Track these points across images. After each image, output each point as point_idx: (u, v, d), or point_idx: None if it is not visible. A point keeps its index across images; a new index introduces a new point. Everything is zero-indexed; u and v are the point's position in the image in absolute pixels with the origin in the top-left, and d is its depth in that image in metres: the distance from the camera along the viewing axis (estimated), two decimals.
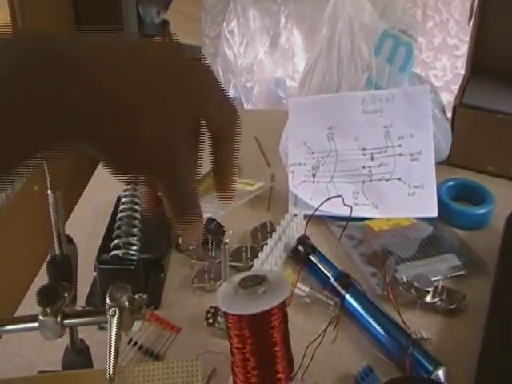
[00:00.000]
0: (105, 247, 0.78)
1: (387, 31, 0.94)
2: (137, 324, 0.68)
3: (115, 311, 0.49)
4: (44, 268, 0.59)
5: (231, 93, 1.78)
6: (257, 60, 1.77)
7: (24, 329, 0.52)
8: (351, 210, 0.83)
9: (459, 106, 1.00)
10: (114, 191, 0.90)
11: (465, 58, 1.76)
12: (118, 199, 0.87)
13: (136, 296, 0.51)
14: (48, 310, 0.51)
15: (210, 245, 0.80)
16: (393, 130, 0.92)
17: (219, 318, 0.71)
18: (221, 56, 1.81)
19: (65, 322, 0.52)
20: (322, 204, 0.83)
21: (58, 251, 0.57)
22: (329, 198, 0.84)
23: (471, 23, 1.07)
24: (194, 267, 0.79)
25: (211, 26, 1.89)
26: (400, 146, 0.91)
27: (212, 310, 0.72)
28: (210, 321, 0.71)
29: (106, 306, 0.50)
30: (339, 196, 0.84)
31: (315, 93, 0.97)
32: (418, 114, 0.91)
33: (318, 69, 0.98)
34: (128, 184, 0.81)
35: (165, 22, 1.01)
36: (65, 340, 0.57)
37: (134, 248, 0.75)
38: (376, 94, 0.93)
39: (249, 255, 0.80)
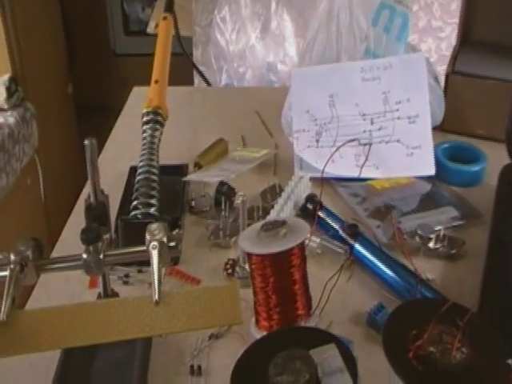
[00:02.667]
0: (122, 211, 0.82)
1: (384, 2, 0.99)
2: None
3: (156, 245, 0.53)
4: None
5: (224, 79, 1.83)
6: (248, 45, 1.81)
7: (69, 267, 0.56)
8: (362, 167, 0.88)
9: (451, 73, 1.05)
10: (125, 163, 0.94)
11: (449, 40, 1.82)
12: (131, 169, 0.92)
13: (174, 232, 0.55)
14: (91, 248, 0.55)
15: (223, 205, 0.85)
16: (391, 95, 0.97)
17: (237, 268, 0.75)
18: (212, 43, 1.85)
19: (107, 259, 0.56)
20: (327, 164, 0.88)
21: (93, 198, 0.61)
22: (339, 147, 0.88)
23: None
24: (208, 227, 0.84)
25: (202, 14, 1.92)
26: (398, 110, 0.96)
27: (230, 262, 0.77)
28: (229, 271, 0.75)
29: (146, 242, 0.55)
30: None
31: (316, 64, 1.02)
32: (414, 80, 0.96)
33: (318, 41, 1.03)
34: (144, 150, 0.85)
35: (171, 1, 1.04)
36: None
37: (153, 209, 0.79)
38: (374, 63, 0.98)
39: (260, 214, 0.84)
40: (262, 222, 0.67)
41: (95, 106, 2.67)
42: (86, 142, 0.58)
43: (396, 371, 0.50)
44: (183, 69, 1.77)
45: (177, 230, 0.56)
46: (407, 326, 0.54)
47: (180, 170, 0.94)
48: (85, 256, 0.55)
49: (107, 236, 0.58)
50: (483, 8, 1.10)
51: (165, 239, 0.55)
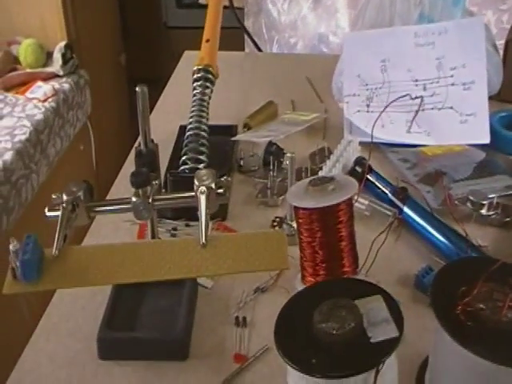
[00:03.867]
0: (172, 166, 0.83)
1: None
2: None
3: (204, 189, 0.54)
4: None
5: (275, 49, 1.81)
6: (300, 16, 1.79)
7: (119, 210, 0.57)
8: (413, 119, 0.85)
9: (510, 41, 1.02)
10: (175, 122, 0.95)
11: (511, 12, 1.75)
12: (181, 128, 0.92)
13: (222, 179, 0.55)
14: (140, 191, 0.56)
15: (271, 165, 0.84)
16: (445, 61, 0.94)
17: (284, 225, 0.75)
18: (264, 13, 1.83)
19: (155, 203, 0.56)
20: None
21: (143, 146, 0.61)
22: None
23: None
24: (256, 186, 0.84)
25: None
26: (452, 76, 0.93)
27: (277, 219, 0.76)
28: (276, 228, 0.75)
29: (195, 187, 0.55)
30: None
31: (369, 29, 1.00)
32: (472, 45, 0.93)
33: (371, 5, 1.01)
34: (194, 107, 0.85)
35: None
36: None
37: (202, 165, 0.79)
38: (429, 28, 0.96)
39: (309, 175, 0.84)
40: (309, 178, 0.66)
41: (147, 78, 2.68)
42: (138, 88, 0.59)
43: (442, 325, 0.49)
44: (234, 41, 1.77)
45: (225, 177, 0.56)
46: (457, 282, 0.53)
47: (230, 130, 0.94)
48: (134, 199, 0.56)
49: (156, 182, 0.58)
50: None
51: (213, 185, 0.55)
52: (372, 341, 0.47)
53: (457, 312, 0.50)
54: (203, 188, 0.54)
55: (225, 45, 1.48)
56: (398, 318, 0.49)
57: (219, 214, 0.78)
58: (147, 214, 0.56)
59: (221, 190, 0.56)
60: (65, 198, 0.53)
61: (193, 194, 0.55)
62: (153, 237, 0.63)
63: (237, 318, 0.64)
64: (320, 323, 0.48)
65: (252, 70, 1.20)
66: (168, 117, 1.03)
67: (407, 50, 0.96)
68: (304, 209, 0.64)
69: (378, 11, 1.01)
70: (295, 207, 0.65)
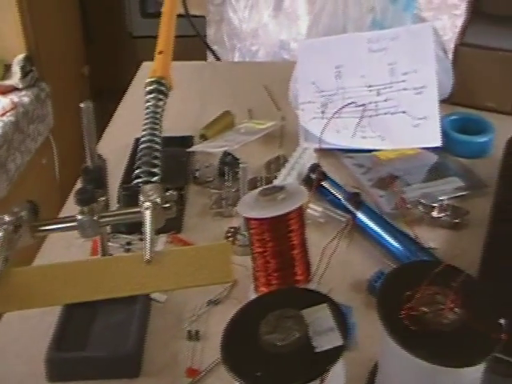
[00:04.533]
0: (126, 181, 0.82)
1: None
2: (160, 245, 0.73)
3: (149, 205, 0.54)
4: None
5: (237, 57, 1.82)
6: (261, 24, 1.80)
7: (64, 228, 0.56)
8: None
9: (460, 45, 1.04)
10: (131, 135, 0.94)
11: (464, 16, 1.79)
12: (136, 141, 0.92)
13: (167, 193, 0.55)
14: (85, 209, 0.56)
15: (226, 176, 0.85)
16: (397, 66, 0.95)
17: (238, 236, 0.75)
18: (226, 21, 1.84)
19: (101, 220, 0.56)
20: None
21: (89, 162, 0.61)
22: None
23: None
24: (211, 197, 0.84)
25: None
26: (404, 81, 0.95)
27: (232, 230, 0.77)
28: (230, 239, 0.76)
29: (140, 203, 0.55)
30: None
31: (323, 36, 1.01)
32: (422, 50, 0.95)
33: (325, 13, 1.02)
34: (147, 120, 0.85)
35: None
36: None
37: (155, 178, 0.79)
38: (381, 34, 0.97)
39: (264, 184, 0.84)
40: (261, 188, 0.67)
41: (112, 88, 2.67)
42: (82, 105, 0.59)
43: (387, 330, 0.50)
44: (197, 49, 1.77)
45: (170, 191, 0.56)
46: (402, 287, 0.53)
47: (186, 141, 0.94)
48: (79, 217, 0.55)
49: (103, 199, 0.58)
50: None
51: (158, 200, 0.55)
52: (317, 350, 0.47)
53: (401, 317, 0.51)
54: (147, 204, 0.54)
55: (187, 53, 1.49)
56: (343, 327, 0.49)
57: (174, 226, 0.78)
58: (93, 231, 0.56)
59: (167, 205, 0.56)
60: (6, 219, 0.53)
61: (138, 209, 0.55)
62: (103, 253, 0.63)
63: (189, 331, 0.63)
64: (266, 335, 0.49)
65: (210, 80, 1.20)
66: (125, 129, 1.03)
67: (361, 56, 0.98)
68: (254, 219, 0.64)
69: (332, 18, 1.03)
70: (246, 218, 0.65)
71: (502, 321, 0.51)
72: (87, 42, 2.44)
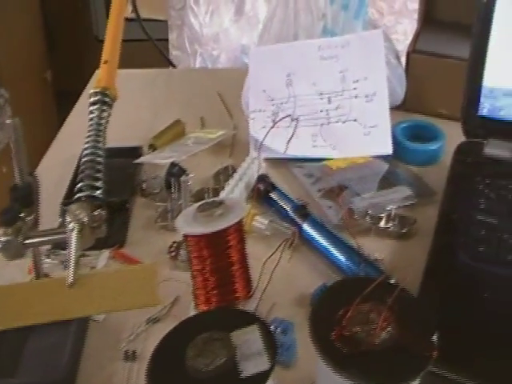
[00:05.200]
0: (70, 195, 0.80)
1: None
2: (102, 261, 0.72)
3: (74, 226, 0.52)
4: None
5: (198, 62, 1.80)
6: (222, 28, 1.78)
7: None
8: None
9: (412, 52, 1.03)
10: (78, 146, 0.92)
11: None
12: (82, 151, 0.90)
13: (95, 212, 0.54)
14: (9, 230, 0.54)
15: (172, 188, 0.83)
16: (348, 73, 0.95)
17: (181, 251, 0.74)
18: (187, 26, 1.82)
19: (26, 241, 0.54)
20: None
21: (19, 179, 0.59)
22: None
23: None
24: (157, 209, 0.82)
25: None
26: (355, 88, 0.94)
27: (174, 244, 0.75)
28: (173, 254, 0.74)
29: (66, 222, 0.53)
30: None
31: (274, 43, 1.00)
32: (372, 57, 0.94)
33: (276, 19, 1.01)
34: (90, 131, 0.83)
35: None
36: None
37: (98, 192, 0.77)
38: (332, 41, 0.96)
39: (211, 195, 0.83)
40: (200, 202, 0.65)
41: (76, 92, 2.64)
42: (8, 121, 0.57)
43: (318, 352, 0.49)
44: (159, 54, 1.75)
45: (99, 210, 0.54)
46: (335, 306, 0.52)
47: (134, 152, 0.92)
48: (3, 238, 0.53)
49: (31, 218, 0.56)
50: None
51: (86, 219, 0.53)
52: (242, 375, 0.46)
53: (332, 338, 0.50)
54: (72, 224, 0.52)
55: (150, 58, 1.47)
56: (272, 349, 0.48)
57: (117, 240, 0.76)
58: (18, 254, 0.54)
59: (95, 224, 0.54)
60: None
61: (64, 229, 0.53)
62: (37, 274, 0.61)
63: (126, 352, 0.62)
64: (191, 359, 0.47)
65: (164, 88, 1.18)
66: (73, 139, 1.00)
67: (312, 63, 0.97)
68: (192, 236, 0.63)
69: (283, 25, 1.02)
70: (184, 235, 0.64)
71: (434, 337, 0.50)
72: (50, 46, 2.41)
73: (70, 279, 0.49)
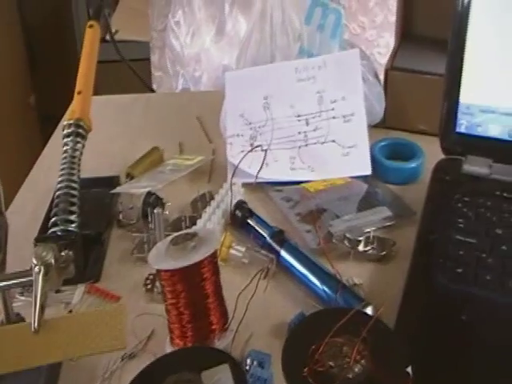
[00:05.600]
0: (45, 228, 0.79)
1: (316, 0, 0.97)
2: (77, 296, 0.70)
3: (40, 268, 0.51)
4: None
5: (181, 83, 1.80)
6: (203, 49, 1.78)
7: None
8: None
9: (390, 69, 1.03)
10: (55, 178, 0.91)
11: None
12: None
13: (62, 253, 0.52)
14: None
15: (149, 217, 0.82)
16: (326, 94, 0.94)
17: (157, 283, 0.72)
18: (168, 47, 1.82)
19: None
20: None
21: None
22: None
23: None
24: (134, 240, 0.81)
25: (158, 18, 1.90)
26: (333, 109, 0.94)
27: (151, 277, 0.74)
28: (149, 287, 0.73)
29: (32, 265, 0.52)
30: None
31: (251, 65, 1.00)
32: (349, 77, 0.94)
33: (253, 42, 1.01)
34: (64, 164, 0.82)
35: (99, 8, 1.01)
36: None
37: (73, 225, 0.76)
38: (308, 62, 0.96)
39: (188, 224, 0.82)
40: (173, 235, 0.65)
41: (62, 115, 2.63)
42: None
43: None
44: (144, 74, 1.75)
45: (66, 251, 0.53)
46: (308, 339, 0.51)
47: (111, 182, 0.91)
48: None
49: None
50: (422, 2, 1.08)
51: (52, 261, 0.52)
52: None
53: (304, 374, 0.49)
54: (38, 267, 0.51)
55: (131, 78, 1.46)
56: None
57: (92, 275, 0.75)
58: None
59: (63, 265, 0.53)
60: None
61: (30, 271, 0.52)
62: (6, 312, 0.60)
63: None
64: None
65: (141, 114, 1.17)
66: (50, 171, 0.99)
67: (289, 85, 0.96)
68: (165, 271, 0.62)
69: (259, 47, 1.02)
70: (157, 269, 0.63)
71: (409, 369, 0.50)
72: (33, 71, 2.40)
73: (35, 325, 0.48)
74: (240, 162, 0.84)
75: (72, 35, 2.75)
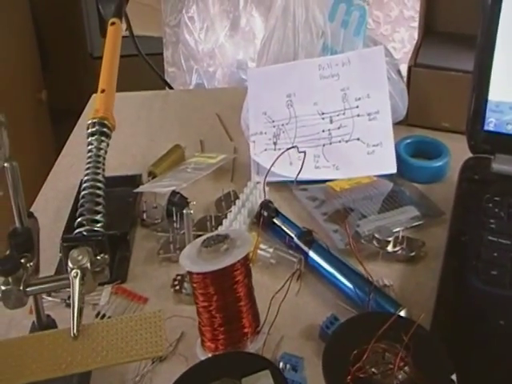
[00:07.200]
0: (69, 228, 0.78)
1: None
2: (104, 297, 0.70)
3: (77, 272, 0.50)
4: None
5: (194, 79, 1.79)
6: (218, 44, 1.77)
7: None
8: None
9: (413, 66, 1.02)
10: (77, 176, 0.91)
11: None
12: (81, 183, 0.88)
13: (98, 257, 0.52)
14: (10, 279, 0.52)
15: (174, 217, 0.81)
16: (350, 92, 0.93)
17: (185, 284, 0.72)
18: (182, 43, 1.81)
19: (28, 289, 0.52)
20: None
21: (18, 223, 0.57)
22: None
23: None
24: (159, 240, 0.80)
25: (171, 14, 1.89)
26: (357, 107, 0.93)
27: (178, 278, 0.73)
28: (177, 288, 0.72)
29: (68, 269, 0.51)
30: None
31: (273, 63, 0.99)
32: (374, 75, 0.93)
33: (275, 39, 1.00)
34: (89, 163, 0.82)
35: (120, 6, 1.00)
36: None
37: (99, 225, 0.75)
38: (332, 59, 0.95)
39: (213, 224, 0.81)
40: (204, 237, 0.64)
41: (72, 110, 2.62)
42: (6, 164, 0.55)
43: None
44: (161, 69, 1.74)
45: (102, 255, 0.52)
46: (349, 345, 0.51)
47: (133, 180, 0.90)
48: (3, 288, 0.51)
49: (31, 264, 0.54)
50: None
51: (88, 265, 0.51)
52: None
53: (347, 381, 0.48)
54: (75, 271, 0.50)
55: (147, 73, 1.45)
56: None
57: (118, 276, 0.75)
58: (19, 302, 0.52)
59: (98, 269, 0.52)
60: None
61: (66, 275, 0.51)
62: (38, 314, 0.59)
63: None
64: None
65: (160, 111, 1.16)
66: (72, 168, 0.98)
67: (312, 82, 0.95)
68: (197, 273, 0.61)
69: (282, 44, 1.00)
70: (189, 272, 0.62)
71: (453, 376, 0.49)
72: (45, 66, 2.39)
73: (74, 330, 0.47)
74: (273, 163, 0.83)
75: (82, 31, 2.74)
